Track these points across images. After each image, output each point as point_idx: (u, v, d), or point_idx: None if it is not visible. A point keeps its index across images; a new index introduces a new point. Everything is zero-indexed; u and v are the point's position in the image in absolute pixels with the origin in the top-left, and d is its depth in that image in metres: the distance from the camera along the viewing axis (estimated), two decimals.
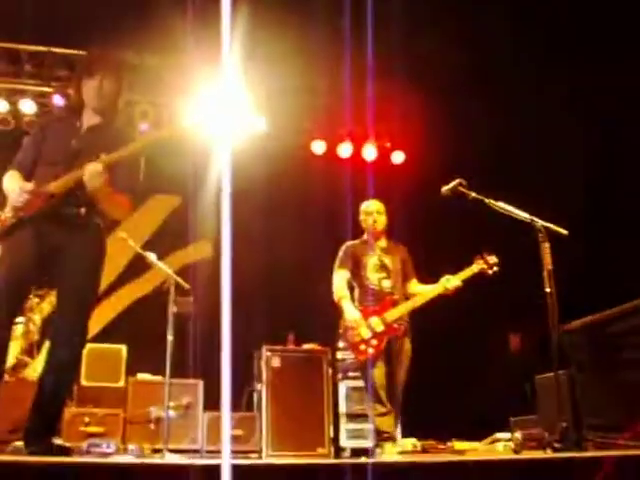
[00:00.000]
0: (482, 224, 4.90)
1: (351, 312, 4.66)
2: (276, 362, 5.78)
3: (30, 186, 3.38)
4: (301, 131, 7.68)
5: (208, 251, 7.12)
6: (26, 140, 3.72)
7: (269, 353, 5.73)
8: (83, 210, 3.40)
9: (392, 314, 4.68)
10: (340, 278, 4.84)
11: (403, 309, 4.73)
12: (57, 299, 3.45)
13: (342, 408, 6.17)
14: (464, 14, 6.47)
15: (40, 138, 3.61)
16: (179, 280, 4.80)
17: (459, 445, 4.98)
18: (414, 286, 4.93)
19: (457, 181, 4.19)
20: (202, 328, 5.98)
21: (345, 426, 6.14)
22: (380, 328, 4.64)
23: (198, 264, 6.87)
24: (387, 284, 4.81)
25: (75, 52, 6.76)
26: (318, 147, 7.78)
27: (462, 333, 6.72)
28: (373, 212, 4.97)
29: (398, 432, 5.13)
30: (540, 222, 3.86)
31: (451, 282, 4.72)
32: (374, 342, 4.61)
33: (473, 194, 4.15)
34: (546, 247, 3.76)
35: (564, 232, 3.86)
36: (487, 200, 4.06)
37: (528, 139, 6.87)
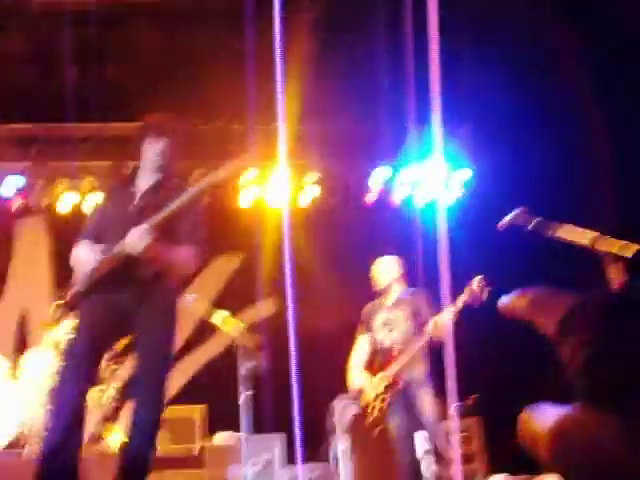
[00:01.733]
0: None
1: (352, 382, 4.97)
2: (353, 410, 5.71)
3: (99, 251, 3.46)
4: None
5: (274, 308, 7.16)
6: (90, 214, 3.84)
7: (342, 405, 5.67)
8: (152, 271, 3.44)
9: (392, 368, 4.84)
10: (356, 346, 5.08)
11: (402, 360, 4.83)
12: (136, 362, 3.50)
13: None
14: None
15: (99, 209, 3.78)
16: (249, 336, 4.82)
17: None
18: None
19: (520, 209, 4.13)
20: (278, 383, 5.98)
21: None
22: (382, 385, 4.84)
23: (269, 320, 6.90)
24: (391, 339, 4.96)
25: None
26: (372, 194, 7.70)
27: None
28: (373, 271, 5.12)
29: None
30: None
31: (437, 324, 4.74)
32: (377, 403, 4.77)
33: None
34: (614, 269, 3.63)
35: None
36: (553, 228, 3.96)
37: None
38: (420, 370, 4.92)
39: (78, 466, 3.31)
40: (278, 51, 3.72)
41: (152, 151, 3.59)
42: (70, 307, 3.68)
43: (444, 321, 4.74)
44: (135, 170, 3.69)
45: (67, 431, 3.28)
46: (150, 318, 3.45)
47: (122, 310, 3.44)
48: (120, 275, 3.43)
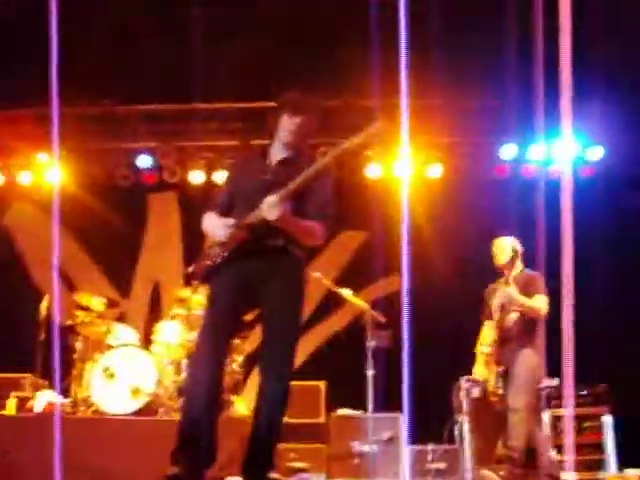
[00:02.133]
0: None
1: (477, 371, 5.12)
2: (476, 393, 5.63)
3: (229, 221, 3.52)
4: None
5: (399, 284, 7.12)
6: (221, 185, 3.91)
7: (468, 384, 5.59)
8: (282, 241, 3.48)
9: None
10: (482, 332, 5.12)
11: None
12: (263, 333, 3.54)
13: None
14: None
15: (231, 179, 3.80)
16: (375, 314, 4.82)
17: None
18: None
19: None
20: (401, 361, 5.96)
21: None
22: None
23: (394, 297, 6.88)
24: (509, 320, 4.99)
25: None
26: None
27: None
28: (493, 250, 5.14)
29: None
30: None
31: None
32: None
33: None
34: None
35: None
36: None
37: None
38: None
39: (217, 433, 3.42)
40: (402, 22, 3.63)
41: (287, 127, 3.60)
42: (202, 278, 3.79)
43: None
44: (267, 145, 3.73)
45: (206, 400, 3.37)
46: (278, 289, 3.48)
47: (252, 281, 3.50)
48: (250, 246, 3.48)
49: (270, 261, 3.48)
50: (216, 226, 3.56)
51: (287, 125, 3.59)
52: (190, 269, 3.85)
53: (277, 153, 3.66)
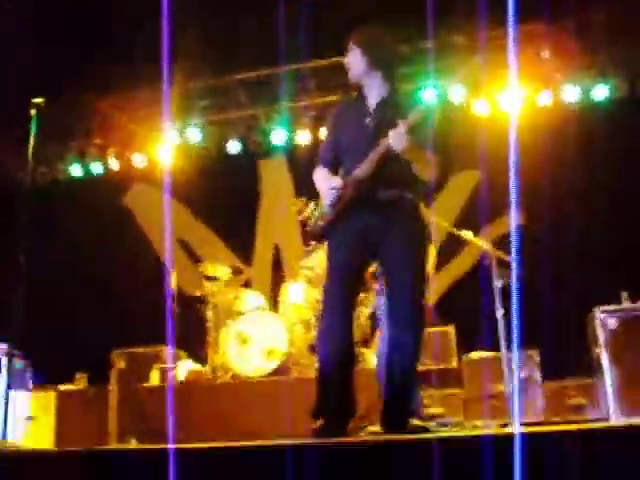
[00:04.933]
0: None
1: None
2: (612, 324, 5.44)
3: (337, 181, 3.51)
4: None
5: (520, 220, 6.95)
6: (324, 137, 3.90)
7: (603, 315, 5.40)
8: (394, 192, 3.45)
9: None
10: None
11: None
12: (388, 285, 3.53)
13: None
14: None
15: (334, 128, 3.76)
16: (499, 253, 4.72)
17: None
18: None
19: None
20: (529, 297, 5.85)
21: None
22: None
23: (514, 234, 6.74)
24: None
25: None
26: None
27: None
28: None
29: None
30: None
31: None
32: None
33: None
34: None
35: None
36: None
37: None
38: None
39: (353, 385, 3.47)
40: None
41: (352, 64, 3.62)
42: (319, 238, 3.81)
43: None
44: (361, 88, 3.67)
45: (339, 354, 3.42)
46: (398, 240, 3.45)
47: (369, 235, 3.48)
48: (362, 201, 3.47)
49: (385, 213, 3.45)
50: (323, 186, 3.58)
51: (346, 64, 3.62)
52: (307, 229, 3.87)
53: (372, 95, 3.62)
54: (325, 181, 3.59)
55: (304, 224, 5.69)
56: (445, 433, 3.69)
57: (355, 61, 3.60)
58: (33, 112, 3.59)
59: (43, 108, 3.63)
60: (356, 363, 3.72)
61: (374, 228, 3.47)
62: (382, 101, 3.59)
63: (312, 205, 5.57)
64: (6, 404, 3.97)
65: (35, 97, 3.60)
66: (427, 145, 3.43)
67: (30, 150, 3.61)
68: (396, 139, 3.31)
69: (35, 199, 3.73)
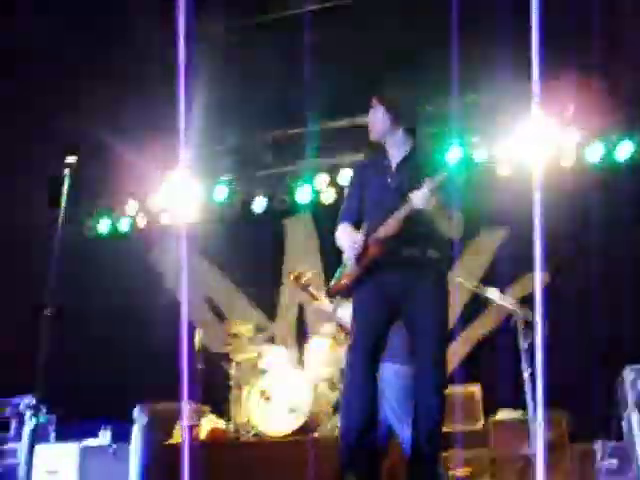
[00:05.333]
0: None
1: None
2: None
3: (360, 237, 3.52)
4: None
5: (545, 279, 6.90)
6: (346, 191, 3.93)
7: (633, 375, 5.31)
8: (419, 249, 3.47)
9: None
10: None
11: None
12: (412, 345, 3.53)
13: None
14: None
15: (356, 184, 3.80)
16: (525, 312, 4.67)
17: None
18: None
19: None
20: (556, 357, 5.78)
21: None
22: None
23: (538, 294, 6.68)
24: None
25: None
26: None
27: None
28: None
29: None
30: None
31: None
32: None
33: None
34: None
35: None
36: None
37: None
38: None
39: (377, 450, 3.45)
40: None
41: (374, 122, 3.67)
42: (343, 295, 3.81)
43: None
44: (383, 146, 3.71)
45: (364, 423, 3.43)
46: (422, 300, 3.45)
47: (393, 295, 3.48)
48: (386, 259, 3.47)
49: (409, 272, 3.46)
50: (347, 243, 3.59)
51: (372, 119, 3.68)
52: (330, 285, 3.87)
53: (395, 153, 3.66)
54: (349, 238, 3.60)
55: (304, 289, 5.79)
56: None
57: (378, 118, 3.65)
58: (66, 171, 3.68)
59: (75, 167, 3.72)
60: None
61: (397, 287, 3.47)
62: (405, 158, 3.62)
63: (309, 274, 5.70)
64: (30, 458, 3.97)
65: (68, 156, 3.70)
66: (451, 204, 3.46)
67: (62, 209, 3.69)
68: (421, 199, 3.33)
69: (64, 256, 3.79)
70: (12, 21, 6.39)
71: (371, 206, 3.61)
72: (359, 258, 3.52)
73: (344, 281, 3.64)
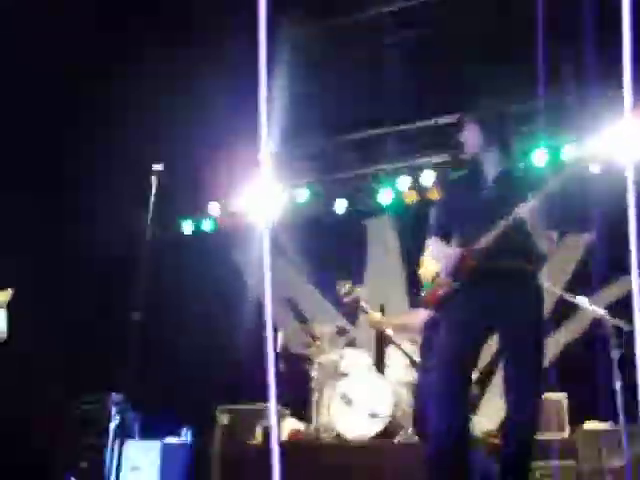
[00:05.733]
0: None
1: None
2: None
3: (458, 250, 3.49)
4: None
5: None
6: (435, 207, 3.89)
7: None
8: (516, 262, 3.43)
9: None
10: None
11: None
12: (507, 358, 3.48)
13: None
14: None
15: (448, 198, 3.83)
16: (615, 320, 4.52)
17: None
18: None
19: None
20: None
21: None
22: None
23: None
24: None
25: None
26: None
27: None
28: None
29: None
30: None
31: None
32: None
33: None
34: None
35: None
36: None
37: None
38: None
39: (467, 463, 3.39)
40: None
41: (469, 139, 3.67)
42: (435, 307, 3.77)
43: None
44: (477, 161, 3.69)
45: (456, 442, 3.39)
46: (518, 312, 3.42)
47: (488, 305, 3.43)
48: (482, 271, 3.44)
49: (505, 284, 3.42)
50: (444, 257, 3.56)
51: (465, 138, 3.69)
52: (422, 296, 3.85)
53: (489, 169, 3.65)
54: (444, 250, 3.60)
55: (352, 305, 5.80)
56: None
57: (472, 137, 3.66)
58: (154, 179, 3.78)
59: (161, 175, 3.82)
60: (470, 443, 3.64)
61: (493, 299, 3.43)
62: (501, 175, 3.61)
63: (348, 286, 5.69)
64: (120, 454, 4.08)
65: (155, 164, 3.80)
66: (550, 221, 3.45)
67: (149, 214, 3.79)
68: (527, 211, 3.32)
69: (152, 259, 3.87)
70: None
71: (464, 219, 3.60)
72: (455, 270, 3.50)
73: (439, 292, 3.60)
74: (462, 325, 3.47)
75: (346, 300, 5.95)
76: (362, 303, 5.87)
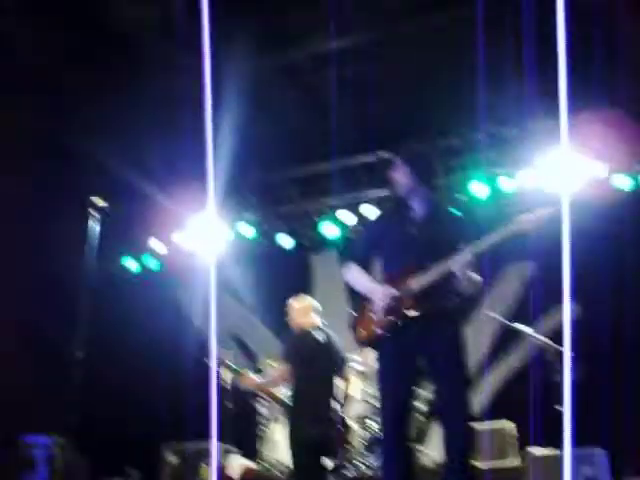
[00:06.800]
0: None
1: None
2: None
3: (394, 291, 3.58)
4: None
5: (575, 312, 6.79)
6: (356, 236, 4.00)
7: None
8: (450, 301, 3.59)
9: None
10: None
11: None
12: (436, 387, 3.63)
13: None
14: None
15: (373, 231, 3.94)
16: (556, 347, 4.62)
17: None
18: None
19: None
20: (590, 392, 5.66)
21: None
22: None
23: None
24: None
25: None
26: None
27: None
28: None
29: None
30: None
31: None
32: None
33: None
34: None
35: None
36: None
37: None
38: None
39: None
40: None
41: (400, 179, 3.78)
42: (370, 344, 3.80)
43: None
44: (405, 200, 3.81)
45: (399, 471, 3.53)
46: (449, 351, 3.55)
47: (419, 345, 3.56)
48: (417, 310, 3.55)
49: (434, 323, 3.54)
50: (376, 293, 3.65)
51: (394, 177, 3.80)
52: (358, 333, 3.86)
53: (418, 207, 3.76)
54: (374, 287, 3.68)
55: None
56: None
57: (402, 177, 3.77)
58: (94, 212, 3.74)
59: (106, 210, 3.78)
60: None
61: (423, 338, 3.54)
62: (429, 214, 3.74)
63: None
64: None
65: (96, 198, 3.76)
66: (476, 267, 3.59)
67: (93, 249, 3.74)
68: (459, 264, 3.46)
69: (94, 295, 3.82)
70: None
71: (392, 254, 3.71)
72: (389, 310, 3.59)
73: (377, 331, 3.65)
74: (396, 365, 3.58)
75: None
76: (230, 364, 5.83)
